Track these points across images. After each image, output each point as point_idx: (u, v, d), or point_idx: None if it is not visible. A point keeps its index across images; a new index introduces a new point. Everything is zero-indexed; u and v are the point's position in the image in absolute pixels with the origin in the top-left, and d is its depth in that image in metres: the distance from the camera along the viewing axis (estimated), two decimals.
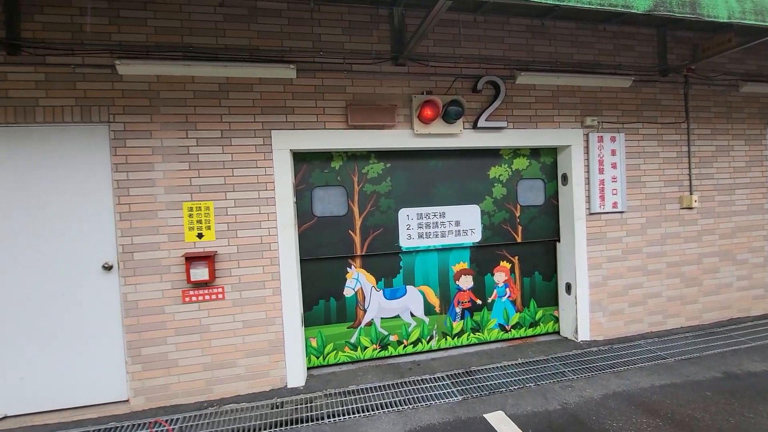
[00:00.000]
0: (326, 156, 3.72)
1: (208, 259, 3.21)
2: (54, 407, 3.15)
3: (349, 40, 3.58)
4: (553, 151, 4.34)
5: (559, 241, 4.36)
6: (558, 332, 4.44)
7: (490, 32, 3.94)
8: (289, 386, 3.45)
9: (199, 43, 3.29)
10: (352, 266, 3.81)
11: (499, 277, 4.22)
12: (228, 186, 3.32)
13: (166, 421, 3.01)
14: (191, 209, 3.25)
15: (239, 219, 3.34)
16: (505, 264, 4.23)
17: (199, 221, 3.26)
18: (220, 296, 3.31)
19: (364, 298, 3.86)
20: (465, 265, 4.11)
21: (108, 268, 3.18)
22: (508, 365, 3.77)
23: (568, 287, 4.26)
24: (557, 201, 4.35)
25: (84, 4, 3.12)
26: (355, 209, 3.79)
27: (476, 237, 4.09)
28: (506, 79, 3.90)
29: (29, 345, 3.10)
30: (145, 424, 3.02)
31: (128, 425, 3.05)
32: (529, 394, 3.24)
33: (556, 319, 4.43)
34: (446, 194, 4.01)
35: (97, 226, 3.17)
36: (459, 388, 3.36)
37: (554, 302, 4.43)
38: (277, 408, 3.17)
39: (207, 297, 3.28)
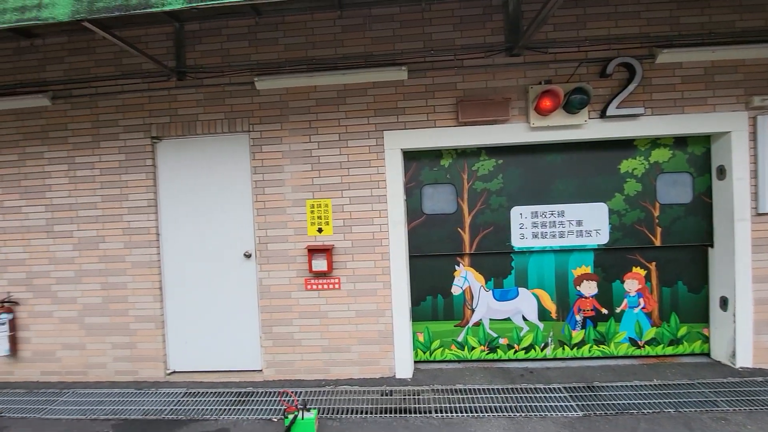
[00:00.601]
0: (436, 154, 3.73)
1: (327, 251, 3.51)
2: (207, 368, 3.82)
3: (460, 36, 3.52)
4: (704, 140, 3.63)
5: (712, 246, 3.65)
6: (707, 354, 3.73)
7: (622, 8, 3.47)
8: (397, 377, 3.59)
9: (320, 55, 3.60)
10: (461, 264, 3.77)
11: (631, 284, 3.71)
12: (344, 185, 3.58)
13: (293, 392, 3.40)
14: (313, 206, 3.59)
15: (354, 215, 3.58)
16: (638, 270, 3.70)
17: (320, 217, 3.59)
18: (337, 286, 3.60)
19: (472, 297, 3.79)
20: (588, 270, 3.72)
21: (248, 256, 3.73)
22: (641, 385, 3.31)
23: (724, 302, 3.54)
24: (710, 199, 3.64)
25: (230, 32, 3.68)
26: (465, 207, 3.74)
27: (602, 239, 3.67)
28: (643, 59, 3.40)
29: (192, 315, 3.82)
30: (275, 392, 3.46)
31: (262, 391, 3.53)
32: (668, 420, 2.80)
33: (706, 339, 3.72)
34: (566, 191, 3.68)
35: (241, 220, 3.73)
36: (579, 402, 3.07)
37: (703, 318, 3.73)
38: (387, 395, 3.33)
39: (325, 286, 3.60)
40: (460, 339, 3.81)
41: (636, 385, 3.31)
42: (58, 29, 3.69)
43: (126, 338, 3.80)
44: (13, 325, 3.87)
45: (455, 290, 3.78)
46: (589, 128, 3.45)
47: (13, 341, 3.88)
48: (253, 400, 3.40)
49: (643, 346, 3.74)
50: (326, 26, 3.60)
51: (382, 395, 3.34)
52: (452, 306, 3.80)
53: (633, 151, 3.65)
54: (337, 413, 3.11)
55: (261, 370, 3.74)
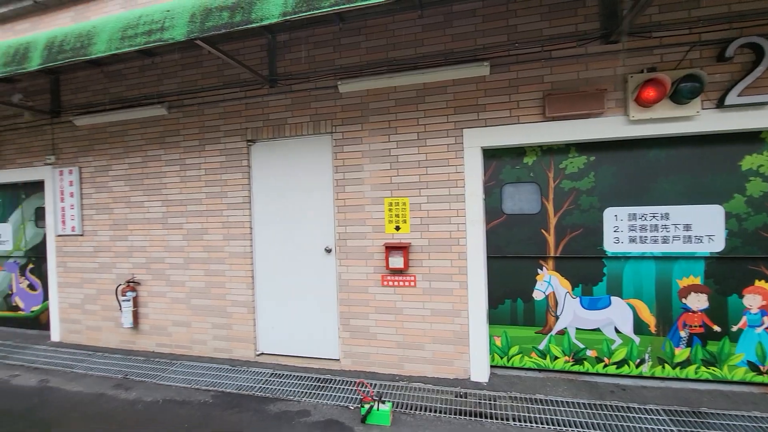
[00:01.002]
0: (518, 151, 3.57)
1: (404, 249, 3.56)
2: (290, 353, 4.11)
3: (548, 26, 3.32)
4: None
5: None
6: None
7: None
8: (472, 379, 3.52)
9: (400, 56, 3.65)
10: (544, 268, 3.57)
11: (753, 300, 3.19)
12: (422, 183, 3.59)
13: (369, 383, 3.51)
14: (391, 204, 3.66)
15: (431, 214, 3.58)
16: (763, 284, 3.17)
17: (397, 215, 3.65)
18: (412, 284, 3.63)
19: (556, 303, 3.56)
20: (697, 281, 3.28)
21: (328, 251, 3.93)
22: (761, 417, 2.84)
23: None
24: None
25: (316, 40, 3.90)
26: (550, 207, 3.52)
27: (716, 246, 3.20)
28: None
29: (277, 303, 4.14)
30: (352, 381, 3.61)
31: (339, 380, 3.70)
32: None
33: None
34: (671, 191, 3.28)
35: (323, 216, 3.95)
36: (682, 428, 2.73)
37: None
38: (461, 397, 3.28)
39: (401, 283, 3.65)
40: (541, 347, 3.61)
41: (756, 417, 2.85)
42: (173, 48, 4.23)
43: (223, 320, 4.24)
44: (135, 302, 4.55)
45: (537, 295, 3.59)
46: (702, 120, 3.03)
47: (135, 316, 4.56)
48: (331, 387, 3.59)
49: (766, 373, 3.19)
50: (407, 27, 3.64)
51: (456, 396, 3.31)
52: (533, 311, 3.61)
53: (759, 146, 3.12)
54: (411, 409, 3.15)
55: (338, 360, 3.92)
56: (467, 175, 3.47)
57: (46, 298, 5.25)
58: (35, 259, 5.30)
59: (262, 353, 4.18)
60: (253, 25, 2.78)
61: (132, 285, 4.52)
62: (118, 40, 3.07)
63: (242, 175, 4.14)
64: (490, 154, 3.61)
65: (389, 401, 3.14)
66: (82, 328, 4.85)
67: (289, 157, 4.07)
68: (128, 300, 4.46)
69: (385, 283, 3.70)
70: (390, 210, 3.67)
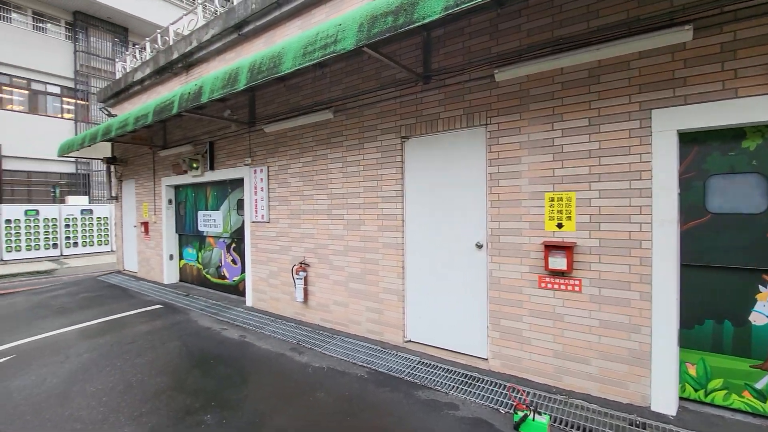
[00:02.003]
0: (734, 134, 2.80)
1: (567, 249, 3.21)
2: (436, 344, 4.17)
3: None
4: None
5: None
6: None
7: None
8: (652, 409, 2.96)
9: (568, 33, 3.27)
10: None
11: None
12: (593, 176, 3.16)
13: (524, 390, 3.31)
14: (552, 200, 3.34)
15: (603, 211, 3.13)
16: None
17: (560, 211, 3.31)
18: (577, 289, 3.25)
19: None
20: None
21: (479, 246, 3.83)
22: None
23: None
24: None
25: (472, 30, 3.80)
26: None
27: None
28: None
29: (426, 294, 4.24)
30: (503, 385, 3.45)
31: (487, 380, 3.59)
32: None
33: None
34: None
35: (474, 211, 3.87)
36: None
37: None
38: (638, 427, 2.80)
39: (563, 287, 3.31)
40: (759, 386, 2.79)
41: None
42: (341, 57, 4.70)
43: (376, 304, 4.58)
44: (306, 281, 5.29)
45: (757, 319, 2.77)
46: None
47: (305, 293, 5.31)
48: (478, 385, 3.51)
49: None
50: None
51: (630, 425, 2.83)
52: (749, 339, 2.81)
53: None
54: (572, 428, 2.84)
55: (486, 359, 3.81)
56: (655, 165, 2.90)
57: (243, 271, 6.58)
58: (236, 239, 6.69)
59: (410, 340, 4.37)
60: (415, 24, 2.85)
61: (303, 266, 5.28)
62: (300, 57, 3.54)
63: (396, 170, 4.36)
64: (689, 139, 2.93)
65: (546, 414, 2.89)
66: (267, 297, 5.90)
67: (440, 151, 4.10)
68: (300, 279, 5.22)
69: (543, 285, 3.40)
70: (551, 206, 3.35)
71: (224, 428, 3.05)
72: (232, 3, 6.44)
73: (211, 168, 6.69)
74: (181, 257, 8.08)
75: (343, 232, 4.88)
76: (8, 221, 12.48)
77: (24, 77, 16.42)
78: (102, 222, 14.58)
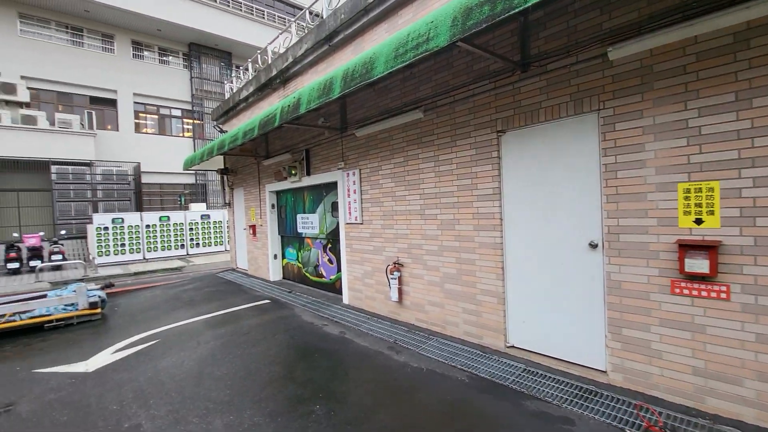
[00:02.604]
0: None
1: (710, 249, 2.73)
2: (543, 352, 3.88)
3: None
4: None
5: None
6: None
7: None
8: None
9: None
10: None
11: None
12: (743, 161, 2.64)
13: (656, 410, 2.90)
14: (688, 191, 2.86)
15: (760, 203, 2.59)
16: None
17: (698, 204, 2.82)
18: (723, 296, 2.74)
19: None
20: None
21: (593, 246, 3.46)
22: None
23: None
24: None
25: (577, 6, 3.45)
26: None
27: None
28: None
29: (530, 297, 3.97)
30: (627, 402, 3.07)
31: (607, 395, 3.22)
32: None
33: None
34: None
35: (585, 207, 3.51)
36: None
37: None
38: None
39: (704, 293, 2.82)
40: None
41: None
42: (431, 55, 4.64)
43: (473, 306, 4.44)
44: (400, 281, 5.35)
45: None
46: None
47: (400, 292, 5.36)
48: (596, 400, 3.17)
49: None
50: None
51: None
52: None
53: None
54: None
55: (605, 372, 3.43)
56: None
57: (339, 270, 6.91)
58: (332, 240, 7.05)
59: (513, 346, 4.13)
60: (517, 10, 2.67)
61: (397, 266, 5.34)
62: (392, 60, 3.56)
63: (492, 167, 4.16)
64: None
65: None
66: (363, 296, 6.11)
67: (542, 144, 3.81)
68: (395, 278, 5.29)
69: (678, 290, 2.94)
70: (686, 198, 2.87)
71: (332, 420, 3.21)
72: (322, 17, 6.80)
73: (308, 173, 7.15)
74: (283, 257, 8.80)
75: (437, 231, 4.81)
76: (148, 226, 14.89)
77: (154, 104, 19.46)
78: (217, 225, 16.61)
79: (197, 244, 16.06)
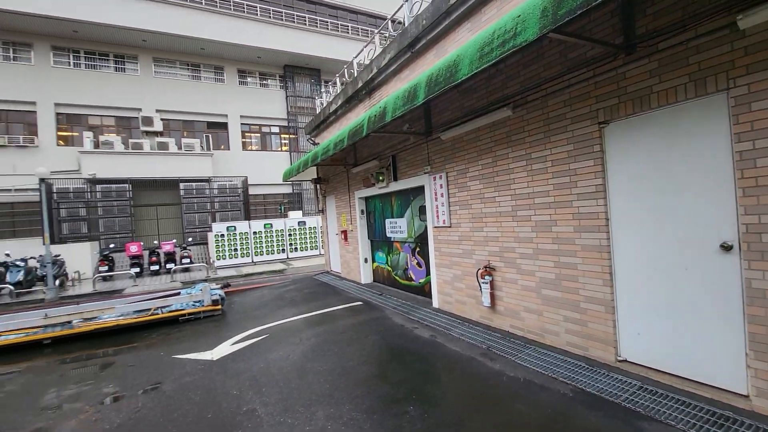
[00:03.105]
0: None
1: None
2: (663, 369, 3.41)
3: None
4: None
5: None
6: None
7: None
8: None
9: None
10: None
11: None
12: None
13: None
14: None
15: None
16: None
17: None
18: None
19: None
20: None
21: (727, 248, 2.95)
22: None
23: None
24: None
25: None
26: None
27: None
28: None
29: (646, 307, 3.53)
30: None
31: (749, 424, 2.72)
32: None
33: None
34: None
35: (712, 202, 3.02)
36: None
37: None
38: None
39: None
40: None
41: None
42: (519, 51, 4.45)
43: (576, 315, 4.10)
44: (492, 285, 5.18)
45: None
46: None
47: (492, 297, 5.19)
48: (734, 429, 2.70)
49: None
50: None
51: None
52: None
53: None
54: None
55: (746, 396, 2.89)
56: None
57: (428, 273, 6.95)
58: (420, 244, 7.12)
59: (625, 360, 3.72)
60: None
61: (489, 270, 5.18)
62: (477, 61, 3.48)
63: (594, 162, 3.82)
64: None
65: None
66: (452, 300, 6.05)
67: (655, 133, 3.38)
68: (486, 283, 5.14)
69: None
70: None
71: (426, 421, 3.24)
72: (404, 25, 6.96)
73: (395, 179, 7.34)
74: (374, 260, 9.14)
75: (532, 234, 4.56)
76: (255, 233, 16.69)
77: (257, 124, 21.76)
78: (312, 231, 17.93)
79: (295, 249, 17.50)
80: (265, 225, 16.98)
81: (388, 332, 5.58)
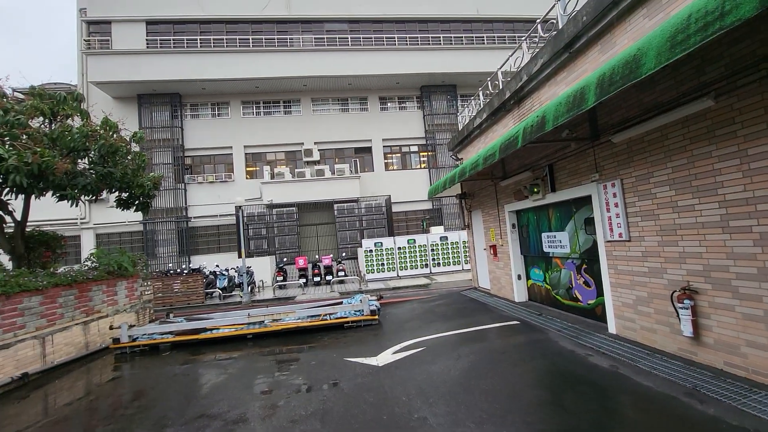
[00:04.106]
0: None
1: None
2: None
3: None
4: None
5: None
6: None
7: None
8: None
9: None
10: None
11: None
12: None
13: None
14: None
15: None
16: None
17: None
18: None
19: None
20: None
21: None
22: None
23: None
24: None
25: None
26: None
27: None
28: None
29: None
30: None
31: None
32: None
33: None
34: None
35: None
36: None
37: None
38: None
39: None
40: None
41: None
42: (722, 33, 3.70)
43: None
44: (693, 311, 4.28)
45: None
46: None
47: (695, 326, 4.28)
48: None
49: None
50: None
51: None
52: None
53: None
54: None
55: None
56: None
57: (599, 294, 6.17)
58: (587, 260, 6.40)
59: None
60: None
61: (689, 293, 4.31)
62: (667, 51, 3.01)
63: None
64: None
65: None
66: (636, 327, 5.21)
67: None
68: (686, 308, 4.28)
69: None
70: None
71: None
72: (558, 26, 6.54)
73: (552, 190, 6.82)
74: (528, 277, 8.60)
75: (754, 249, 3.63)
76: (399, 248, 17.64)
77: (397, 145, 23.19)
78: (454, 246, 17.98)
79: (438, 264, 17.78)
80: (408, 240, 17.78)
81: (557, 357, 5.13)
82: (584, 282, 6.53)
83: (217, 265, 17.76)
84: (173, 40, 20.54)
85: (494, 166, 8.99)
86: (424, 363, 5.52)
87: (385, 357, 6.03)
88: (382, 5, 21.93)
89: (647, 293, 4.95)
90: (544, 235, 7.64)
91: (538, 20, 7.51)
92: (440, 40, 22.36)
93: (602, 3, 5.00)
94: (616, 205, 5.28)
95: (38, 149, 7.29)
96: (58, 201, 8.48)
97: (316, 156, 21.72)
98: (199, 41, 20.62)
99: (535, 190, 7.15)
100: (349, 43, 21.52)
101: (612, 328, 5.66)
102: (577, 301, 6.78)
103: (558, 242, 7.14)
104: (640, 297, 5.08)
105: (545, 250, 7.62)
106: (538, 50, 6.72)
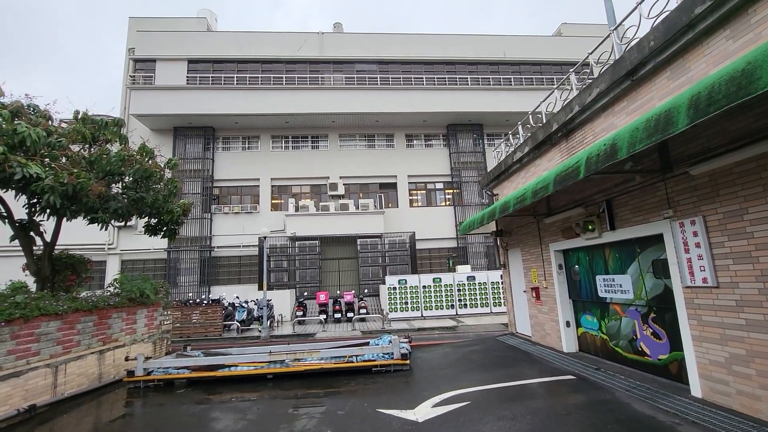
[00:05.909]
0: None
1: None
2: None
3: None
4: None
5: None
6: None
7: None
8: None
9: None
10: None
11: None
12: None
13: None
14: None
15: None
16: None
17: None
18: None
19: None
20: None
21: None
22: None
23: None
24: None
25: None
26: None
27: None
28: None
29: None
30: None
31: None
32: None
33: None
34: None
35: None
36: None
37: None
38: None
39: None
40: None
41: None
42: None
43: None
44: None
45: None
46: None
47: None
48: None
49: None
50: None
51: None
52: None
53: None
54: None
55: None
56: None
57: (674, 348, 5.35)
58: (657, 308, 5.62)
59: None
60: None
61: None
62: None
63: None
64: None
65: None
66: (732, 391, 4.37)
67: None
68: None
69: None
70: None
71: None
72: (614, 56, 6.22)
73: (611, 227, 6.19)
74: (578, 325, 7.75)
75: None
76: (424, 287, 16.86)
77: (423, 182, 22.98)
78: (482, 287, 17.07)
79: (464, 305, 16.83)
80: (434, 279, 17.02)
81: (637, 425, 4.31)
82: (653, 333, 5.71)
83: (237, 297, 17.33)
84: (212, 77, 21.49)
85: (538, 202, 8.44)
86: (473, 422, 4.77)
87: (424, 410, 5.30)
88: (411, 48, 22.59)
89: (745, 350, 4.16)
90: (599, 277, 6.90)
91: (589, 52, 7.24)
92: (467, 81, 22.65)
93: (674, 26, 4.64)
94: (698, 246, 4.61)
95: (75, 170, 7.24)
96: (88, 224, 8.36)
97: (341, 190, 21.65)
98: (235, 79, 21.49)
99: (590, 227, 6.53)
100: (378, 82, 22.01)
101: (696, 390, 4.79)
102: (644, 355, 5.91)
103: (617, 286, 6.39)
104: (735, 354, 4.28)
105: (600, 294, 6.84)
106: (595, 78, 6.37)
